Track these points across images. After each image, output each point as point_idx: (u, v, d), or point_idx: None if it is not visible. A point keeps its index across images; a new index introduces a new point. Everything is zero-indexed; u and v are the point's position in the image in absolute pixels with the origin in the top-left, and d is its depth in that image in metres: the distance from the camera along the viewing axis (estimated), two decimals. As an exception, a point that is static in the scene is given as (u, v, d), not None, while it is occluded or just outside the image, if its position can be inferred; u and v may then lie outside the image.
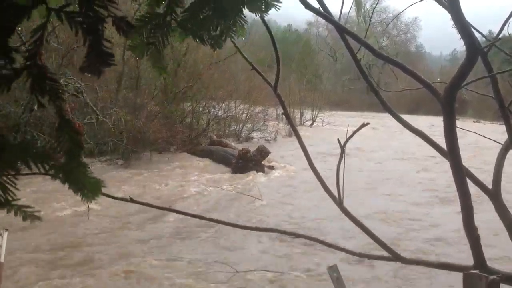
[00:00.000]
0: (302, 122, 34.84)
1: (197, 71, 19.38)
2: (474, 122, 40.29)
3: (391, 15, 61.30)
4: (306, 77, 41.06)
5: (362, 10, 2.99)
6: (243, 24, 1.61)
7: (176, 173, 13.86)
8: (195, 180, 12.99)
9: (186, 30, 1.58)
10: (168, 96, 18.22)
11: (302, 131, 28.26)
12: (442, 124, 1.96)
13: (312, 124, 35.18)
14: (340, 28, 2.22)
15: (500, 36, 3.19)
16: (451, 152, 1.98)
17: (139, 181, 12.52)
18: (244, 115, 24.44)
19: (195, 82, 19.12)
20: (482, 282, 1.58)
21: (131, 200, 1.86)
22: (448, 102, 1.91)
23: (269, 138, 23.38)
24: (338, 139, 2.23)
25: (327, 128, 31.79)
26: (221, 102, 22.51)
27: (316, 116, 35.47)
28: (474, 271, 1.65)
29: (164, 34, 1.57)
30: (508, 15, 2.28)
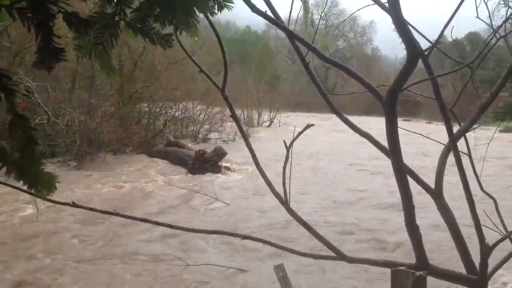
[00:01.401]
0: (260, 123, 35.00)
1: (154, 72, 19.18)
2: (427, 123, 41.39)
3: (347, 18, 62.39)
4: (264, 78, 41.20)
5: (310, 14, 3.02)
6: (195, 24, 1.60)
7: (131, 174, 13.67)
8: (151, 182, 12.86)
9: (135, 30, 1.56)
10: (124, 96, 17.94)
11: (259, 132, 28.57)
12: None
13: (270, 125, 35.38)
14: (287, 31, 2.24)
15: (452, 39, 3.28)
16: (393, 152, 2.02)
17: (92, 183, 12.26)
18: (201, 116, 24.36)
19: (152, 83, 18.94)
20: (409, 278, 1.63)
21: (73, 205, 1.83)
22: (390, 105, 1.95)
23: (227, 139, 23.32)
24: (284, 141, 2.25)
25: (285, 129, 31.99)
26: (178, 103, 22.37)
27: (274, 117, 35.69)
28: (402, 268, 1.69)
29: (113, 34, 1.55)
30: (449, 20, 2.34)
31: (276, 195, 2.24)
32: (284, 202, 2.22)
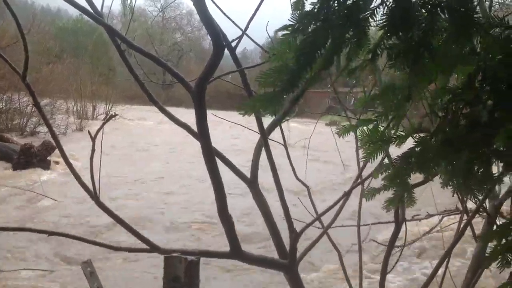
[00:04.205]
0: (95, 116, 33.69)
1: (-28, 59, 17.37)
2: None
3: (184, 11, 62.51)
4: (99, 70, 39.60)
5: (128, 2, 2.95)
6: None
7: None
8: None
9: None
10: None
11: (95, 126, 27.42)
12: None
13: (105, 118, 34.18)
14: (96, 20, 2.15)
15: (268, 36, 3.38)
16: (203, 139, 2.04)
17: None
18: (29, 107, 22.70)
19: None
20: (181, 264, 1.66)
21: None
22: (199, 95, 1.97)
23: (57, 133, 22.04)
24: (88, 131, 2.17)
25: (121, 122, 31.18)
26: (1, 94, 20.66)
27: (110, 110, 34.52)
28: (175, 254, 1.72)
29: None
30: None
31: (85, 188, 2.15)
32: (93, 196, 2.13)
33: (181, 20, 65.35)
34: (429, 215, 4.54)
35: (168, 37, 63.31)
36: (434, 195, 3.94)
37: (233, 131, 20.75)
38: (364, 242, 3.35)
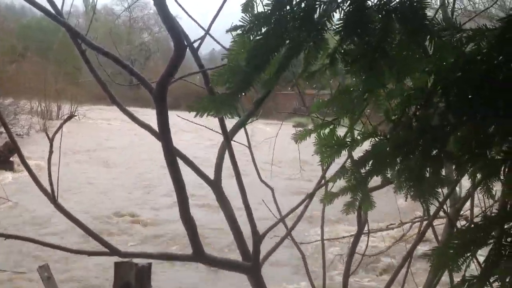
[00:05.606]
0: (60, 116, 33.09)
1: None
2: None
3: (152, 11, 61.75)
4: (65, 69, 38.87)
5: (90, 1, 2.91)
6: None
7: None
8: None
9: None
10: None
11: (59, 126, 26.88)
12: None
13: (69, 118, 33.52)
14: (55, 19, 2.10)
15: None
16: (164, 140, 2.01)
17: None
18: (-9, 108, 22.19)
19: None
20: (132, 269, 1.63)
21: None
22: (160, 95, 1.94)
23: (21, 133, 21.62)
24: (46, 133, 2.12)
25: (86, 122, 30.75)
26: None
27: (75, 110, 33.92)
28: (126, 260, 1.69)
29: None
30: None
31: (43, 191, 2.10)
32: (52, 199, 2.08)
33: (148, 20, 64.48)
34: (402, 223, 4.60)
35: (135, 37, 62.55)
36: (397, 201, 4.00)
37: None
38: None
